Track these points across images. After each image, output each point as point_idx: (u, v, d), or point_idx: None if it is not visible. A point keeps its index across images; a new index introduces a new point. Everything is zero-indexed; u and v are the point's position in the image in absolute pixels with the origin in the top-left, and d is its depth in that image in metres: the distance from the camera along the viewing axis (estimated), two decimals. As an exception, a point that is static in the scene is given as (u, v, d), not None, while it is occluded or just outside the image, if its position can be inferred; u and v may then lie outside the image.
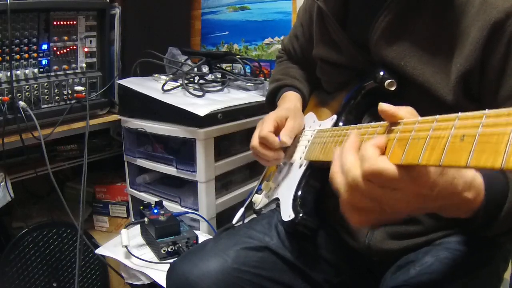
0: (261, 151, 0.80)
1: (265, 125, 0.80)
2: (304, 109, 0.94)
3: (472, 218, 0.51)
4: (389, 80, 0.68)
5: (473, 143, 0.36)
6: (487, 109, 0.37)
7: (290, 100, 0.91)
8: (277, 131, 0.81)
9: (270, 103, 1.00)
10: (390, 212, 0.46)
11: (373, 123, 0.54)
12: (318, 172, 0.76)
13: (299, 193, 0.75)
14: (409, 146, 0.43)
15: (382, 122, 0.51)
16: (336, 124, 0.77)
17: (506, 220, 0.52)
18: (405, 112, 0.48)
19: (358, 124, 0.60)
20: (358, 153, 0.47)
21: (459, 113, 0.39)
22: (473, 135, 0.36)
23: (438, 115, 0.42)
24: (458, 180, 0.47)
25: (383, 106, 0.49)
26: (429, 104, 0.64)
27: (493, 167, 0.33)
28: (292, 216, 0.72)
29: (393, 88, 0.68)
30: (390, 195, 0.44)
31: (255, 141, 0.81)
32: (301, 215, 0.72)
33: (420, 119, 0.44)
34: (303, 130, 0.86)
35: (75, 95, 1.34)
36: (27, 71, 1.22)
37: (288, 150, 0.86)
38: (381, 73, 0.69)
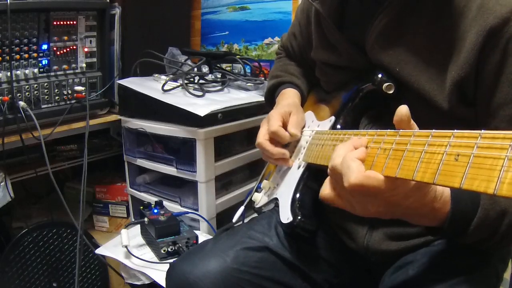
0: (268, 148, 0.80)
1: (273, 121, 0.80)
2: (303, 105, 0.94)
3: (438, 228, 0.54)
4: (387, 83, 0.67)
5: (467, 164, 0.35)
6: (482, 130, 0.36)
7: (289, 96, 0.91)
8: (283, 126, 0.80)
9: (269, 100, 1.00)
10: (360, 211, 0.50)
11: (369, 130, 0.54)
12: (316, 173, 0.75)
13: (298, 195, 0.75)
14: (404, 160, 0.43)
15: (378, 131, 0.51)
16: (334, 125, 0.77)
17: (475, 233, 0.54)
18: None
19: (355, 130, 0.59)
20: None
21: (455, 130, 0.39)
22: (467, 155, 0.36)
23: (433, 130, 0.42)
24: (430, 192, 0.49)
25: (404, 110, 0.46)
26: (425, 109, 0.64)
27: (486, 192, 0.33)
28: (291, 218, 0.72)
29: (391, 91, 0.67)
30: (365, 200, 0.47)
31: (261, 137, 0.81)
32: (299, 217, 0.71)
33: (416, 132, 0.44)
34: (303, 129, 0.86)
35: (75, 95, 1.34)
36: (27, 71, 1.22)
37: (288, 150, 0.86)
38: (379, 75, 0.68)
